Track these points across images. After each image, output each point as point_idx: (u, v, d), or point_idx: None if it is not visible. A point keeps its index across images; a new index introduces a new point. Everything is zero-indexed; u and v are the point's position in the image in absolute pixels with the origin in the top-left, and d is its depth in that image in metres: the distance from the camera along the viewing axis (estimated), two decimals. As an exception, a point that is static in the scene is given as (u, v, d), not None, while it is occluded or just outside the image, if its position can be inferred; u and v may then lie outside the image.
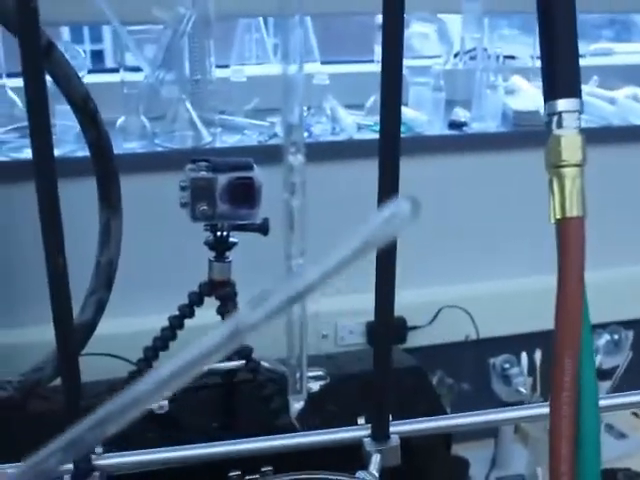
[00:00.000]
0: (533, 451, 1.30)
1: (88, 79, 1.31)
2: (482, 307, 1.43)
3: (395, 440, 0.71)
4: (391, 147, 0.66)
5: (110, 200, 0.71)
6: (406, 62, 1.50)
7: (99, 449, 0.71)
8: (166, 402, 1.05)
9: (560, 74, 0.54)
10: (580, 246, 0.53)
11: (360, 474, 0.66)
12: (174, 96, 1.31)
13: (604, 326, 1.36)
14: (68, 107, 1.19)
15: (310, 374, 1.10)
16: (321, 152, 1.35)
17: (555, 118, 0.54)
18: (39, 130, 0.60)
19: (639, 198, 1.58)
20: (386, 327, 0.69)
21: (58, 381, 0.95)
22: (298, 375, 0.58)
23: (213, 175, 0.93)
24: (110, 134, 0.84)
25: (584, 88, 1.57)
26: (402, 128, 1.37)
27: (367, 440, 0.71)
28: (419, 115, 1.42)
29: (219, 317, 1.05)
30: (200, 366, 0.31)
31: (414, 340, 1.46)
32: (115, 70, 1.39)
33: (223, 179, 0.92)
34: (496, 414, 0.78)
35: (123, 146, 1.26)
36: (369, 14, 1.40)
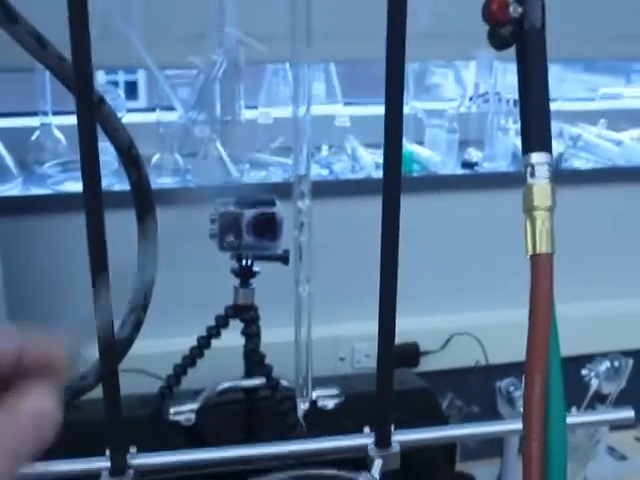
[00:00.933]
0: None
1: (126, 118, 1.42)
2: (491, 334, 1.52)
3: (396, 447, 0.80)
4: (393, 184, 0.73)
5: (146, 233, 0.81)
6: (423, 105, 1.61)
7: (133, 449, 0.80)
8: (193, 415, 1.14)
9: (533, 131, 0.64)
10: (549, 278, 0.62)
11: (362, 476, 0.75)
12: (205, 135, 1.41)
13: (605, 354, 1.44)
14: (107, 144, 1.30)
15: (326, 393, 1.19)
16: (343, 189, 1.45)
17: (529, 169, 0.64)
18: (90, 171, 0.70)
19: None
20: (388, 338, 0.77)
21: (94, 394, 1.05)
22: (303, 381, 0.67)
23: (240, 210, 1.03)
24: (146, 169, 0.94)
25: (592, 130, 1.66)
26: (417, 167, 1.49)
27: (371, 447, 0.80)
28: (434, 155, 1.52)
29: (242, 338, 1.15)
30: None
31: (426, 365, 1.55)
32: (150, 109, 1.50)
33: (249, 214, 1.03)
34: (491, 426, 0.87)
35: (157, 181, 1.37)
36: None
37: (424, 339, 1.54)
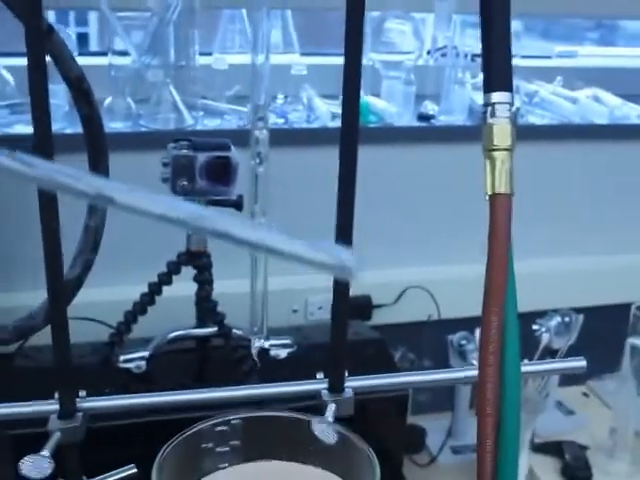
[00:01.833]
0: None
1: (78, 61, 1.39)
2: (444, 289, 1.53)
3: (349, 392, 0.79)
4: (350, 135, 0.72)
5: (99, 172, 0.79)
6: (380, 57, 1.60)
7: (83, 393, 0.79)
8: (143, 363, 1.13)
9: (495, 71, 0.63)
10: (507, 218, 0.61)
11: (316, 419, 0.74)
12: (159, 80, 1.38)
13: (557, 311, 1.45)
14: (58, 87, 1.27)
15: (278, 342, 1.19)
16: (298, 138, 1.43)
17: (489, 109, 0.63)
18: (40, 107, 0.68)
19: (597, 191, 1.67)
20: (344, 285, 0.77)
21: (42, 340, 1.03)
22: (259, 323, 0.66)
23: (193, 153, 1.01)
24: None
25: (548, 87, 1.67)
26: (373, 118, 1.48)
27: (324, 392, 0.80)
28: (390, 107, 1.50)
29: (194, 286, 1.13)
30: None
31: (380, 318, 1.55)
32: (102, 54, 1.46)
33: (202, 157, 1.00)
34: (442, 374, 0.87)
35: (110, 125, 1.34)
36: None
37: (377, 292, 1.54)
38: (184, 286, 1.14)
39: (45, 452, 0.73)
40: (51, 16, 1.81)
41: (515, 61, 1.74)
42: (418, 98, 1.57)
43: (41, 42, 0.64)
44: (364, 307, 1.51)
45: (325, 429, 0.64)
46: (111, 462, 0.83)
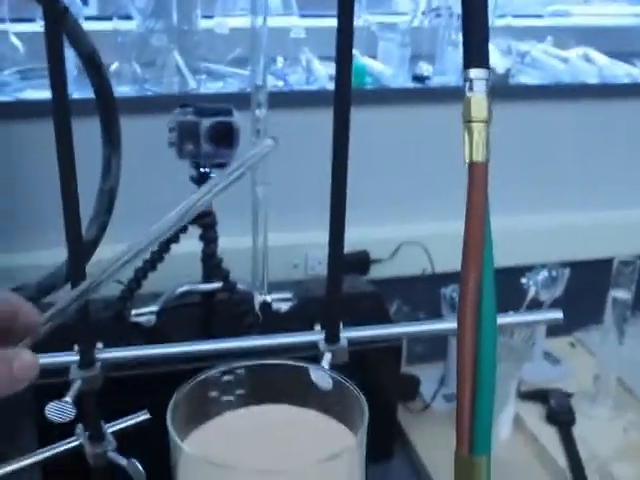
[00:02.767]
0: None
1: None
2: (438, 244, 1.59)
3: (344, 342, 0.86)
4: (343, 96, 0.77)
5: (111, 137, 0.85)
6: (375, 18, 1.64)
7: (100, 345, 0.86)
8: (153, 317, 1.20)
9: (472, 48, 0.69)
10: (483, 185, 0.67)
11: (313, 366, 0.81)
12: (163, 44, 1.43)
13: (545, 265, 1.51)
14: (66, 52, 1.31)
15: (280, 296, 1.25)
16: (297, 99, 1.49)
17: (468, 83, 0.68)
18: (57, 75, 0.73)
19: (585, 149, 1.73)
20: (339, 237, 0.83)
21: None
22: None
23: (198, 119, 1.07)
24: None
25: (539, 46, 1.71)
26: (369, 80, 1.52)
27: (321, 342, 0.87)
28: (386, 69, 1.55)
29: (201, 243, 1.20)
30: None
31: (376, 272, 1.62)
32: (107, 18, 1.51)
33: (206, 122, 1.07)
34: (433, 324, 0.94)
35: (118, 90, 1.40)
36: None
37: (374, 248, 1.60)
38: (191, 244, 1.20)
39: (68, 398, 0.80)
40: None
41: (507, 21, 1.78)
42: (413, 59, 1.62)
43: (57, 23, 0.70)
44: (362, 262, 1.58)
45: (321, 376, 0.70)
46: (126, 409, 0.91)
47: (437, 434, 1.39)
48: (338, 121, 0.77)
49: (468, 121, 0.69)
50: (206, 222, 1.16)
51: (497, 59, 1.59)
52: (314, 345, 0.87)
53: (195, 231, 1.20)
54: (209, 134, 1.06)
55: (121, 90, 1.41)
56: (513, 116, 1.55)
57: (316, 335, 0.88)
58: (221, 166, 1.12)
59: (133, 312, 1.20)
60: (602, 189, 1.76)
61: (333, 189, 0.81)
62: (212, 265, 1.20)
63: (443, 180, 1.59)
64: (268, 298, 1.24)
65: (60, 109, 0.73)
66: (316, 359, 0.88)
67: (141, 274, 1.20)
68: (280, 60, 1.53)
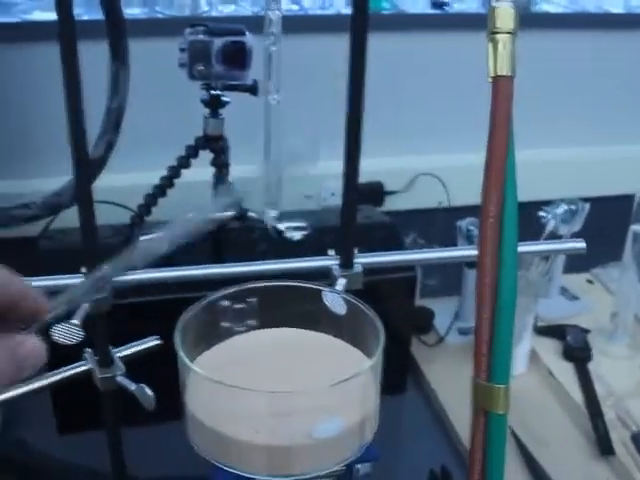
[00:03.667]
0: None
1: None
2: (454, 176, 1.56)
3: (358, 268, 0.84)
4: (360, 21, 0.74)
5: (119, 53, 0.81)
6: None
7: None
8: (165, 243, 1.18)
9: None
10: (507, 99, 0.64)
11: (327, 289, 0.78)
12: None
13: (564, 199, 1.48)
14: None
15: (293, 224, 1.23)
16: (312, 24, 1.44)
17: (494, -8, 0.65)
18: None
19: (607, 83, 1.68)
20: (353, 165, 0.80)
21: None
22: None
23: (210, 38, 1.03)
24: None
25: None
26: (387, 5, 1.48)
27: (335, 267, 0.84)
28: (404, -6, 1.51)
29: (212, 169, 1.17)
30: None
31: (391, 204, 1.59)
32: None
33: (219, 42, 1.03)
34: (447, 252, 0.91)
35: (127, 12, 1.36)
36: None
37: (389, 179, 1.57)
38: (201, 171, 1.18)
39: (75, 321, 0.78)
40: None
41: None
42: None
43: None
44: (376, 193, 1.55)
45: (335, 299, 0.68)
46: (135, 336, 0.89)
47: (451, 367, 1.38)
48: (355, 47, 0.74)
49: (493, 32, 0.65)
50: (218, 147, 1.13)
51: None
52: (327, 272, 0.85)
53: (206, 157, 1.17)
54: (221, 54, 1.03)
55: (130, 12, 1.37)
56: (535, 46, 1.51)
57: (330, 260, 0.85)
58: (233, 89, 1.08)
59: (142, 238, 1.17)
60: (625, 124, 1.71)
61: (349, 118, 0.78)
62: (224, 192, 1.17)
63: (460, 110, 1.56)
64: (281, 226, 1.21)
65: (65, 22, 0.70)
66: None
67: (151, 199, 1.17)
68: (295, -18, 1.49)
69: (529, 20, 1.54)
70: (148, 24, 1.35)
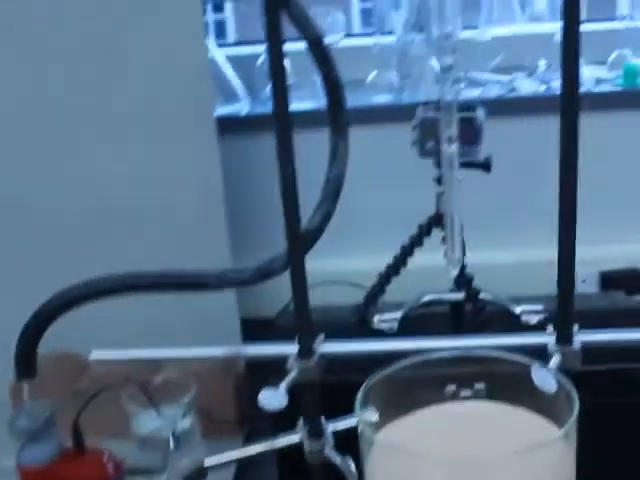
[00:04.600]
0: None
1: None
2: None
3: (577, 344, 0.77)
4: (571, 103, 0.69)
5: (338, 124, 0.83)
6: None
7: (321, 336, 0.83)
8: (396, 323, 1.17)
9: None
10: None
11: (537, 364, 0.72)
12: (422, 54, 1.42)
13: None
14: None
15: (530, 308, 1.17)
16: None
17: None
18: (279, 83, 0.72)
19: None
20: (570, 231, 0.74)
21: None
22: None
23: (440, 114, 1.03)
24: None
25: None
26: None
27: (551, 343, 0.78)
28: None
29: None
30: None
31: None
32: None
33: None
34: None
35: (373, 99, 1.40)
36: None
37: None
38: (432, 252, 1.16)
39: (281, 387, 0.79)
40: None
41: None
42: None
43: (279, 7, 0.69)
44: (632, 280, 1.44)
45: (545, 377, 0.63)
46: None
47: None
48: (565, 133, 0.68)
49: None
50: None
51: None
52: (542, 347, 0.79)
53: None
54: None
55: (377, 99, 1.41)
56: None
57: (546, 336, 0.80)
58: (465, 165, 1.07)
59: (376, 318, 1.18)
60: None
61: (562, 202, 0.73)
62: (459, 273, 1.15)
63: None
64: (518, 309, 1.16)
65: (281, 114, 0.72)
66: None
67: (384, 279, 1.17)
68: (542, 64, 1.46)
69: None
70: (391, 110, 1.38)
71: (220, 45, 1.62)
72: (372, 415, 0.57)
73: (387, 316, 1.18)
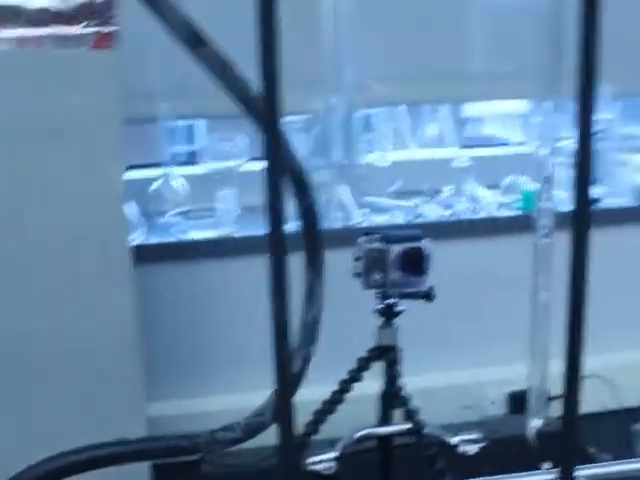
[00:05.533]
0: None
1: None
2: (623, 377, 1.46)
3: (580, 480, 0.75)
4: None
5: (314, 265, 0.79)
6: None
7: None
8: (333, 463, 1.11)
9: None
10: None
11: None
12: (326, 180, 1.40)
13: None
14: (228, 192, 1.30)
15: (468, 437, 1.14)
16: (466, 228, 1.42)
17: None
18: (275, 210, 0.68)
19: None
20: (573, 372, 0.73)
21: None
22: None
23: (386, 246, 1.01)
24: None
25: None
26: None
27: (554, 481, 0.76)
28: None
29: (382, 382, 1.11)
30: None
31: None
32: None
33: (396, 249, 1.00)
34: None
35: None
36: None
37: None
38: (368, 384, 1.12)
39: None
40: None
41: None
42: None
43: (277, 149, 0.65)
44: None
45: None
46: None
47: None
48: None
49: None
50: (392, 358, 1.08)
51: None
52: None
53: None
54: (399, 261, 1.00)
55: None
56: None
57: (548, 474, 0.77)
58: (408, 296, 1.05)
59: (310, 460, 1.11)
60: None
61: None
62: (397, 404, 1.11)
63: (625, 307, 1.49)
64: (454, 440, 1.13)
65: (275, 239, 0.68)
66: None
67: (319, 417, 1.12)
68: (446, 189, 1.48)
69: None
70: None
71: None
72: None
73: (322, 456, 1.12)
